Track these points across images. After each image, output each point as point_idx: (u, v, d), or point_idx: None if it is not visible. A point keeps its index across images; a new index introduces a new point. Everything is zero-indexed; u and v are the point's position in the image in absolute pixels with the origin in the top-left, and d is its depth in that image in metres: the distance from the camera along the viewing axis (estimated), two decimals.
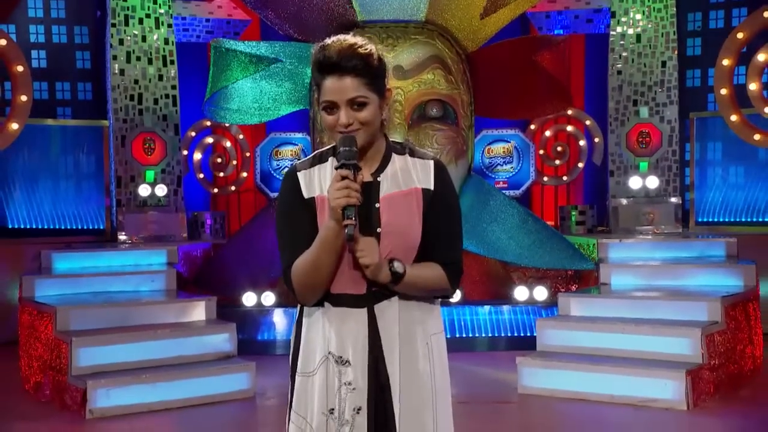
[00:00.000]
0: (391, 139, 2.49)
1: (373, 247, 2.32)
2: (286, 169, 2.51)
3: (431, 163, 2.47)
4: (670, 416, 5.68)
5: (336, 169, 2.30)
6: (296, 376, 2.45)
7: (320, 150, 2.50)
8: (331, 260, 2.34)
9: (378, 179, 2.40)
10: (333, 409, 2.38)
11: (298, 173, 2.45)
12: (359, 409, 2.36)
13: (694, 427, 5.51)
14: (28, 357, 6.70)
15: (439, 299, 2.52)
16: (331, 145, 2.45)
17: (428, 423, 2.41)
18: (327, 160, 2.44)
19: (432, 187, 2.43)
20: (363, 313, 2.38)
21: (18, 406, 6.22)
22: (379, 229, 2.36)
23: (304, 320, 2.47)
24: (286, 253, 2.42)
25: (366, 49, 2.34)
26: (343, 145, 2.31)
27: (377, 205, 2.37)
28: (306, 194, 2.42)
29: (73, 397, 5.95)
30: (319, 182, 2.42)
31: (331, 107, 2.34)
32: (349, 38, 2.36)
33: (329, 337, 2.40)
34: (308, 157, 2.52)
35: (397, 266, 2.34)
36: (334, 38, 2.37)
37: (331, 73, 2.33)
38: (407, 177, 2.43)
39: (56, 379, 6.20)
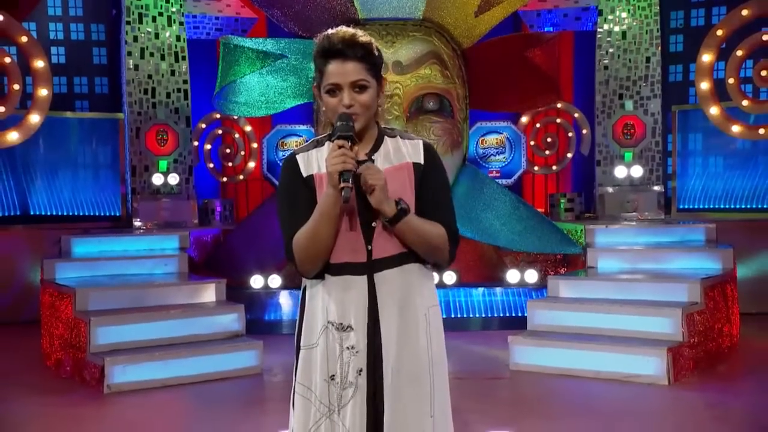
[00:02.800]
0: (383, 125, 2.53)
1: (380, 171, 2.33)
2: (286, 155, 2.55)
3: (420, 142, 2.52)
4: (652, 391, 5.70)
5: (332, 141, 2.35)
6: (300, 350, 2.47)
7: (318, 137, 2.55)
8: (330, 228, 2.36)
9: (372, 157, 2.44)
10: (334, 375, 2.40)
11: (297, 156, 2.49)
12: (361, 371, 2.38)
13: (674, 401, 5.52)
14: (50, 335, 6.72)
15: (434, 272, 2.53)
16: (328, 133, 2.48)
17: (425, 391, 2.42)
18: (324, 144, 2.48)
19: (422, 162, 2.47)
20: (363, 280, 2.40)
21: (40, 382, 6.24)
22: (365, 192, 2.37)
23: (307, 296, 2.49)
24: (287, 227, 2.44)
25: (366, 39, 2.41)
26: (340, 120, 2.36)
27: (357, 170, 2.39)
28: (304, 173, 2.45)
29: (91, 373, 5.98)
30: (317, 162, 2.45)
31: (335, 90, 2.39)
32: (350, 29, 2.42)
33: (328, 307, 2.42)
34: (306, 143, 2.56)
35: (404, 203, 2.36)
36: (336, 29, 2.42)
37: (335, 58, 2.38)
38: (398, 154, 2.47)
39: (76, 357, 6.22)
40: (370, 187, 2.32)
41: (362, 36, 2.40)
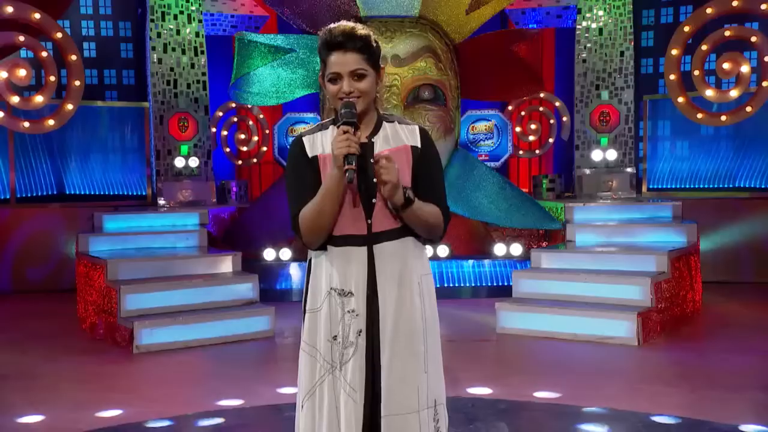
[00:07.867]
0: (383, 112, 2.52)
1: (394, 169, 2.31)
2: (293, 138, 2.54)
3: (416, 127, 2.51)
4: (624, 351, 5.75)
5: (338, 127, 2.34)
6: (306, 314, 2.48)
7: (322, 121, 2.54)
8: (334, 206, 2.35)
9: (372, 140, 2.43)
10: (336, 336, 2.40)
11: (303, 138, 2.48)
12: (360, 332, 2.39)
13: (643, 360, 5.57)
14: (84, 302, 6.76)
15: (427, 245, 2.53)
16: (332, 118, 2.47)
17: (420, 350, 2.43)
18: (328, 128, 2.47)
19: (419, 145, 2.46)
20: (363, 251, 2.40)
21: (77, 343, 6.29)
22: (375, 180, 2.36)
23: (312, 266, 2.49)
24: (294, 203, 2.43)
25: (365, 31, 2.39)
26: (344, 108, 2.35)
27: (372, 160, 2.38)
28: (310, 154, 2.44)
29: (122, 335, 6.02)
30: (322, 144, 2.44)
31: (336, 78, 2.37)
32: (350, 23, 2.40)
33: (332, 274, 2.42)
34: (312, 127, 2.54)
35: (410, 193, 2.35)
36: (338, 23, 2.40)
37: (337, 49, 2.36)
38: (397, 138, 2.46)
39: (108, 321, 6.26)
40: (383, 182, 2.30)
41: (361, 29, 2.38)
